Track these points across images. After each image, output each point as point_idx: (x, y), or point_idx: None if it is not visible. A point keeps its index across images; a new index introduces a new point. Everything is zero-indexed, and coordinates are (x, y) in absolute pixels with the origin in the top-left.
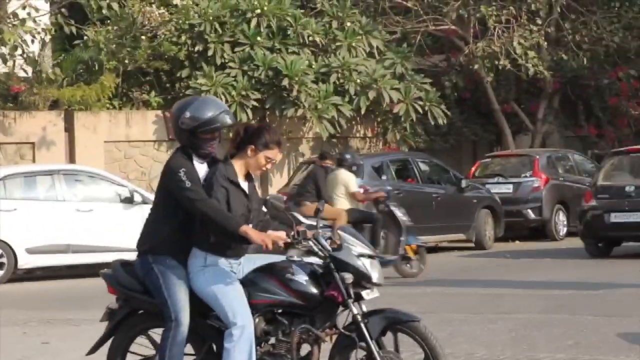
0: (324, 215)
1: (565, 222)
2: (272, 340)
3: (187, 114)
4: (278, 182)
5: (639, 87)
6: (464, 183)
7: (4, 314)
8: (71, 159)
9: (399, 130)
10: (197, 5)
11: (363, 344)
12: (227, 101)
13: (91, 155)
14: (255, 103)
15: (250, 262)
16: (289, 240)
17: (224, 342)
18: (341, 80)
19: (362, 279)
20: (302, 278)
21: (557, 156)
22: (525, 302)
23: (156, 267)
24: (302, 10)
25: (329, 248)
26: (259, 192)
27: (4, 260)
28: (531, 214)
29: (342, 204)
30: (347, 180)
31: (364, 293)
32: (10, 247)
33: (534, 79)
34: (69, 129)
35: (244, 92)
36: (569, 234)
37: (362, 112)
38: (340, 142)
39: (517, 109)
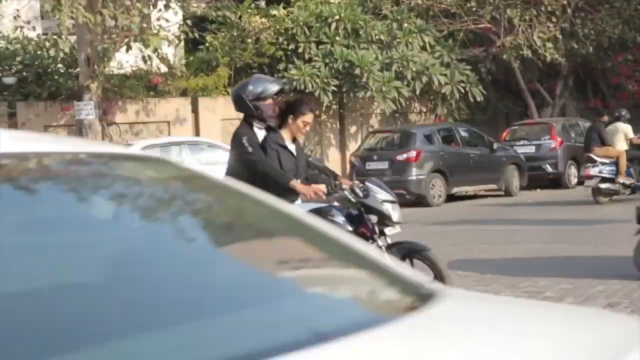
0: (609, 154)
1: (576, 174)
2: None
3: (250, 87)
4: (354, 147)
5: (635, 69)
6: (495, 145)
7: None
8: (197, 133)
9: (446, 106)
10: (290, 14)
11: None
12: (312, 87)
13: (211, 130)
14: (334, 88)
15: (302, 207)
16: (326, 191)
17: None
18: (401, 69)
19: (385, 219)
20: (340, 219)
21: (570, 123)
22: (534, 235)
23: None
24: (370, 15)
25: (360, 195)
26: (339, 154)
27: None
28: (549, 168)
29: (622, 146)
30: (626, 130)
31: (387, 230)
32: None
33: (552, 64)
34: (195, 110)
35: (325, 80)
36: (579, 183)
37: (417, 92)
38: (401, 116)
39: (540, 88)
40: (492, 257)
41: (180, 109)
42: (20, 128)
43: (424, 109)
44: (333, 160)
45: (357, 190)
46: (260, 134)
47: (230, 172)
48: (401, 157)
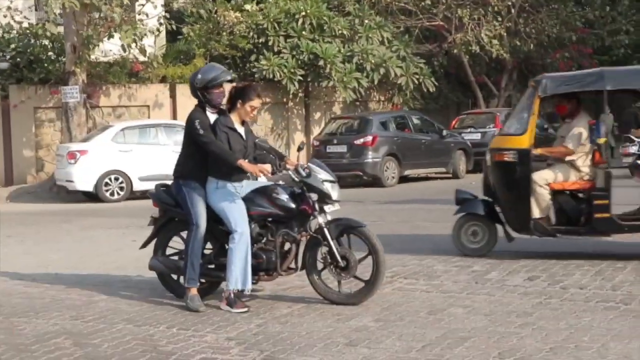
0: None
1: None
2: (264, 240)
3: (199, 76)
4: (317, 132)
5: (572, 65)
6: (444, 132)
7: (116, 221)
8: (174, 116)
9: (402, 96)
10: (261, 10)
11: (326, 243)
12: (280, 76)
13: (187, 114)
14: (300, 77)
15: (250, 185)
16: (272, 171)
17: (229, 243)
18: (361, 61)
19: (325, 197)
20: (284, 196)
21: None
22: None
23: (184, 188)
24: (334, 12)
25: (304, 174)
26: (304, 138)
27: (124, 185)
28: None
29: None
30: None
31: (326, 207)
32: (128, 176)
33: (498, 59)
34: (173, 96)
35: (292, 70)
36: None
37: (376, 83)
38: (361, 104)
39: (487, 81)
40: (433, 233)
41: (159, 95)
42: (12, 109)
43: (382, 98)
44: (298, 143)
45: (301, 170)
46: (212, 117)
47: (183, 153)
48: (359, 141)
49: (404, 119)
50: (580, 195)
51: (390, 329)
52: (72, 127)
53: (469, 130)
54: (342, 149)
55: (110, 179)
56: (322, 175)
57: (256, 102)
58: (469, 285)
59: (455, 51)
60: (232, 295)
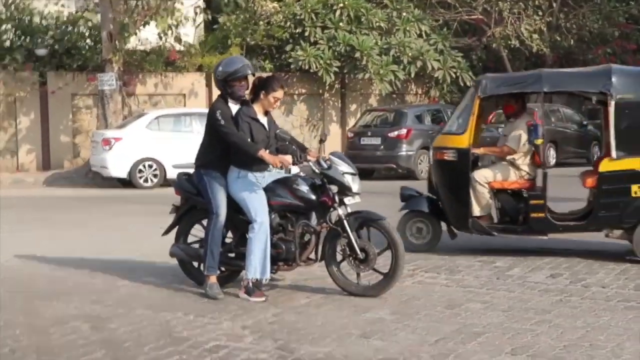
0: None
1: (554, 156)
2: (284, 230)
3: (220, 68)
4: (352, 123)
5: (614, 61)
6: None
7: (146, 208)
8: (210, 105)
9: (439, 89)
10: (298, 0)
11: (345, 235)
12: (316, 67)
13: None
14: (336, 69)
15: (271, 176)
16: (292, 162)
17: (248, 232)
18: (398, 54)
19: (345, 190)
20: (304, 188)
21: (551, 109)
22: None
23: (205, 177)
24: (372, 4)
25: (325, 166)
26: (340, 130)
27: (157, 172)
28: None
29: None
30: None
31: (347, 199)
32: (161, 164)
33: (538, 54)
34: (209, 85)
35: (328, 61)
36: (557, 164)
37: (412, 76)
38: (398, 97)
39: None
40: None
41: (195, 83)
42: (50, 96)
43: (419, 91)
44: (334, 135)
45: (322, 162)
46: (234, 108)
47: (205, 143)
48: (393, 134)
49: (440, 112)
50: (525, 194)
51: (406, 322)
52: (108, 114)
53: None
54: (376, 141)
55: (144, 166)
56: (343, 168)
57: (279, 93)
58: (490, 281)
59: (494, 45)
60: (250, 284)
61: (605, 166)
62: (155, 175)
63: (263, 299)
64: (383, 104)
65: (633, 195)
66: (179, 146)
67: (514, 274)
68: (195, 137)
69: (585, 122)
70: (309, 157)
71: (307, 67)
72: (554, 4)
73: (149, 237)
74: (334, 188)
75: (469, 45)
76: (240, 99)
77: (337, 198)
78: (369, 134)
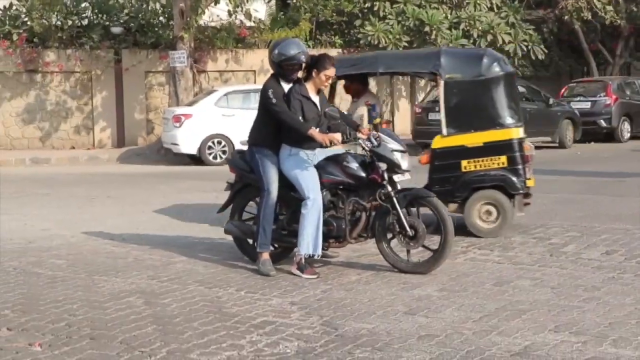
0: None
1: (629, 129)
2: (334, 207)
3: (276, 51)
4: (421, 98)
5: None
6: (550, 101)
7: (213, 184)
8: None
9: (510, 63)
10: None
11: (395, 212)
12: (385, 42)
13: None
14: (405, 43)
15: (322, 154)
16: (342, 139)
17: (301, 209)
18: (467, 28)
19: (394, 167)
20: (354, 165)
21: (627, 82)
22: (566, 185)
23: (258, 155)
24: None
25: (376, 143)
26: (409, 105)
27: (226, 148)
28: (603, 123)
29: None
30: None
31: (396, 177)
32: (230, 140)
33: (613, 25)
34: None
35: (397, 36)
36: (632, 137)
37: None
38: None
39: (601, 48)
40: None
41: (264, 60)
42: (125, 73)
43: None
44: (403, 111)
45: (372, 139)
46: (287, 87)
47: (257, 120)
48: None
49: None
50: None
51: (452, 299)
52: (179, 91)
53: (578, 99)
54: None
55: (213, 143)
56: (392, 145)
57: (330, 71)
58: (543, 257)
59: (566, 18)
60: (303, 260)
61: (437, 143)
62: (224, 152)
63: (315, 276)
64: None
65: (463, 170)
66: (247, 123)
67: (569, 251)
68: None
69: None
70: (359, 135)
71: (376, 42)
72: None
73: (210, 213)
74: (383, 165)
75: (541, 17)
76: (292, 81)
77: (386, 175)
78: (437, 109)
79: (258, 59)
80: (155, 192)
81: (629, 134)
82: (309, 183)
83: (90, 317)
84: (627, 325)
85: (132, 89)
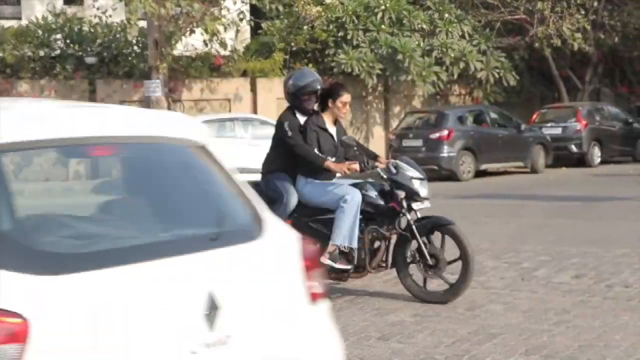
0: None
1: (599, 154)
2: None
3: (290, 82)
4: (394, 124)
5: None
6: (522, 126)
7: None
8: (254, 110)
9: (482, 89)
10: (342, 4)
11: (415, 240)
12: (358, 70)
13: (268, 108)
14: (378, 71)
15: (342, 182)
16: (359, 169)
17: (341, 203)
18: (440, 55)
19: (413, 195)
20: (373, 193)
21: (596, 107)
22: (538, 210)
23: (274, 177)
24: (413, 6)
25: (394, 171)
26: (384, 132)
27: None
28: (574, 148)
29: None
30: None
31: (415, 205)
32: None
33: (583, 52)
34: (253, 90)
35: (370, 64)
36: (602, 162)
37: (455, 77)
38: (442, 98)
39: (571, 74)
40: (491, 229)
41: (240, 88)
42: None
43: (463, 92)
44: (377, 138)
45: (391, 168)
46: (302, 119)
47: (272, 151)
48: (434, 135)
49: (481, 114)
50: None
51: (425, 324)
52: None
53: (549, 124)
54: (418, 142)
55: None
56: (411, 173)
57: (346, 97)
58: (515, 282)
59: (536, 45)
60: (337, 251)
61: None
62: None
63: (350, 266)
64: (427, 105)
65: None
66: (222, 151)
67: (539, 275)
68: (239, 142)
69: (630, 120)
70: (377, 164)
71: (349, 70)
72: (596, 3)
73: None
74: (402, 193)
75: (512, 45)
76: (308, 112)
77: (404, 203)
78: (411, 135)
79: (233, 88)
80: None
81: (599, 159)
82: (339, 190)
83: None
84: (595, 348)
85: None
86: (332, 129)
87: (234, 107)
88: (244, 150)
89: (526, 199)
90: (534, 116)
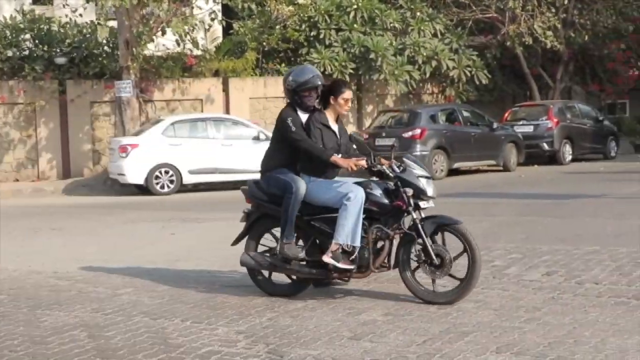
0: None
1: (570, 152)
2: None
3: (291, 78)
4: (368, 123)
5: (630, 56)
6: (494, 125)
7: (160, 214)
8: (227, 110)
9: (454, 88)
10: (314, 3)
11: (420, 240)
12: (331, 70)
13: (240, 108)
14: (351, 70)
15: (346, 180)
16: (366, 165)
17: (344, 201)
18: (412, 54)
19: (420, 193)
20: (377, 192)
21: (567, 105)
22: (510, 208)
23: (274, 172)
24: (386, 5)
25: (398, 170)
26: (357, 131)
27: (174, 178)
28: (545, 146)
29: None
30: None
31: (421, 203)
32: (177, 169)
33: (553, 50)
34: (225, 90)
35: (343, 63)
36: (573, 160)
37: (427, 75)
38: (414, 97)
39: (542, 72)
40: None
41: (212, 88)
42: (70, 104)
43: (435, 91)
44: (358, 137)
45: (395, 167)
46: (303, 116)
47: (272, 149)
48: (407, 134)
49: (454, 112)
50: None
51: (397, 323)
52: (126, 121)
53: (521, 122)
54: (391, 141)
55: (160, 172)
56: (418, 171)
57: (347, 94)
58: (486, 280)
59: (508, 43)
60: (340, 250)
61: None
62: (171, 181)
63: (353, 266)
64: (399, 104)
65: None
66: (195, 152)
67: (511, 273)
68: (211, 142)
69: (601, 118)
70: (382, 162)
71: (322, 69)
72: (566, 1)
73: (157, 243)
74: (409, 191)
75: (484, 43)
76: (309, 109)
77: (411, 202)
78: (384, 134)
79: (205, 88)
80: (101, 223)
81: (570, 157)
82: (342, 188)
83: (31, 353)
84: (565, 345)
85: (78, 120)
86: (335, 127)
87: (206, 108)
88: (216, 151)
89: (498, 197)
90: (506, 114)
